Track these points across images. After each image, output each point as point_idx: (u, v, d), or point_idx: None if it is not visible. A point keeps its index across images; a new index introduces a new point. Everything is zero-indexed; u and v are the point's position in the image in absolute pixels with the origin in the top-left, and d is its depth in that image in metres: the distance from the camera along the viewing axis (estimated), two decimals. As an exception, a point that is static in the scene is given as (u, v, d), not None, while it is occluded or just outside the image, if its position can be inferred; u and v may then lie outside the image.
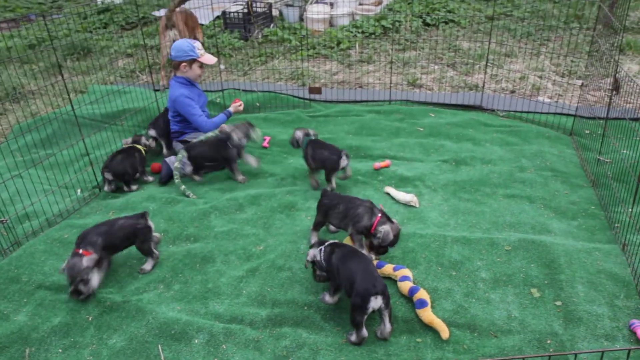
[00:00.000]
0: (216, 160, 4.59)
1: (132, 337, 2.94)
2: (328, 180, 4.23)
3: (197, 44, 4.79)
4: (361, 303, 2.71)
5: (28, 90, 7.20)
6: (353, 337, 2.81)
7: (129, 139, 4.75)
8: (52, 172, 4.62)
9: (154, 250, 3.53)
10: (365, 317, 2.75)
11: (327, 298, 3.04)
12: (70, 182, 4.52)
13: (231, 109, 5.04)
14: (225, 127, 4.67)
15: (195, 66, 4.81)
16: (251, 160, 4.61)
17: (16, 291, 3.33)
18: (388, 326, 2.79)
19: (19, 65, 8.25)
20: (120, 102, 5.74)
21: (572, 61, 7.06)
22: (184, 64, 4.76)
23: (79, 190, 4.53)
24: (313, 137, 4.40)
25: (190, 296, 3.23)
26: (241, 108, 5.13)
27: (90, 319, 3.09)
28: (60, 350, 2.90)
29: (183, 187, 4.38)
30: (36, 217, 4.10)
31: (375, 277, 2.79)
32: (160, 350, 2.85)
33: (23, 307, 3.21)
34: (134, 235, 3.45)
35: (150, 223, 3.55)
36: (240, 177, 4.56)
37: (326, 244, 3.07)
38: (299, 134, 4.43)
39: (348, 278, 2.83)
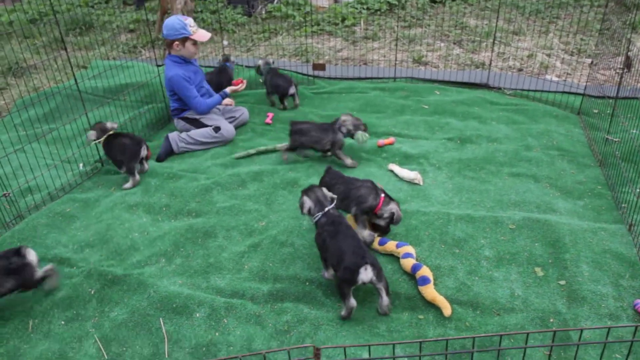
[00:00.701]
0: (318, 142, 4.27)
1: (134, 310, 2.94)
2: (281, 101, 5.44)
3: (189, 21, 4.63)
4: (350, 276, 2.69)
5: (30, 65, 7.15)
6: (343, 312, 2.80)
7: (92, 132, 4.19)
8: (54, 147, 4.59)
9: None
10: (353, 288, 2.74)
11: (325, 273, 3.04)
12: (73, 156, 4.49)
13: (227, 89, 4.96)
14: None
15: (188, 44, 4.67)
16: (348, 161, 4.27)
17: (18, 264, 3.33)
18: (385, 299, 2.77)
19: (20, 39, 8.18)
20: (123, 77, 5.68)
21: (581, 39, 6.94)
22: (176, 42, 4.63)
23: (81, 165, 4.51)
24: (272, 66, 5.50)
25: (192, 270, 3.23)
26: (240, 89, 5.02)
27: (92, 292, 3.09)
28: (62, 322, 2.91)
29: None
30: (39, 191, 4.09)
31: (364, 250, 2.75)
32: (162, 323, 2.85)
33: (25, 279, 3.21)
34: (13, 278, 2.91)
35: (31, 258, 3.00)
36: (349, 161, 4.26)
37: (326, 210, 3.00)
38: (261, 62, 5.53)
39: (337, 254, 2.80)
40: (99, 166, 4.50)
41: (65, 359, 2.69)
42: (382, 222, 3.28)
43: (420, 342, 1.39)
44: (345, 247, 2.77)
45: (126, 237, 3.56)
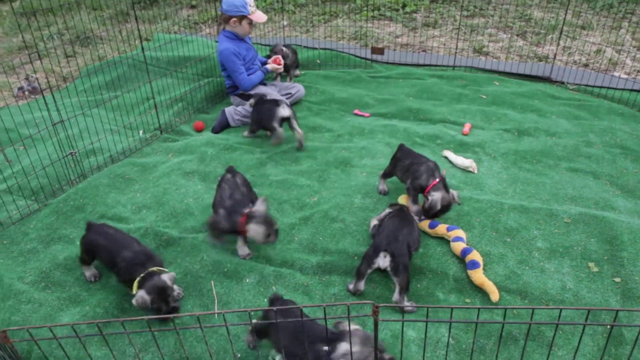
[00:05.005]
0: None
1: (187, 272, 3.05)
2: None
3: (250, 0, 4.72)
4: (371, 254, 2.72)
5: (96, 35, 7.41)
6: (351, 286, 2.85)
7: None
8: (119, 112, 4.77)
9: None
10: (369, 271, 2.75)
11: None
12: (135, 122, 4.66)
13: (268, 66, 5.01)
14: None
15: (244, 23, 4.73)
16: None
17: (81, 219, 3.50)
18: (396, 295, 2.73)
19: (89, 10, 8.48)
20: (184, 50, 5.83)
21: (654, 37, 6.62)
22: (234, 19, 4.70)
23: (141, 131, 4.67)
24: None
25: (243, 238, 3.31)
26: (277, 69, 5.06)
27: (147, 251, 3.22)
28: (119, 277, 3.04)
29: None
30: (101, 153, 4.27)
31: (395, 238, 2.73)
32: (213, 285, 2.95)
33: (87, 234, 3.38)
34: None
35: None
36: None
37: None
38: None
39: (379, 232, 2.86)
40: (157, 134, 4.65)
41: (121, 309, 2.82)
42: (426, 205, 3.27)
43: (478, 310, 1.39)
44: (386, 229, 2.81)
45: (181, 201, 3.68)
